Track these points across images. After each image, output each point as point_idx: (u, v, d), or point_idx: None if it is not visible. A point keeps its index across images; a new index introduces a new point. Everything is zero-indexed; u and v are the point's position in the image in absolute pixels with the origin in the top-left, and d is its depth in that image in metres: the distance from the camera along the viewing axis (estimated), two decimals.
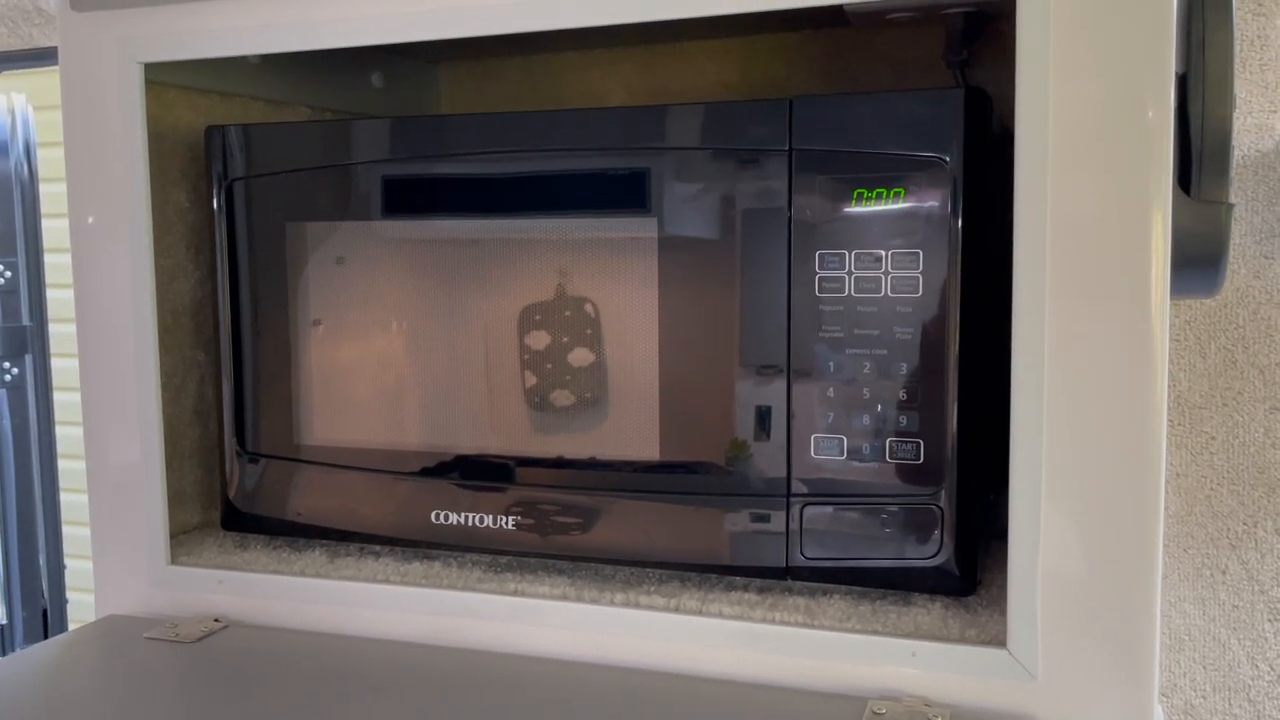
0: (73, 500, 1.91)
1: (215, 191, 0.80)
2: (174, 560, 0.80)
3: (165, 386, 0.81)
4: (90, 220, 0.79)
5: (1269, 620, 1.00)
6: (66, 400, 1.80)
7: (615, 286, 0.70)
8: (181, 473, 0.84)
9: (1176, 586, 1.02)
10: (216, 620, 0.77)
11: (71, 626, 1.90)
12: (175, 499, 0.83)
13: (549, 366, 0.73)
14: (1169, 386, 0.89)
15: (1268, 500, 0.99)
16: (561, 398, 0.73)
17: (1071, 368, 0.59)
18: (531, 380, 0.73)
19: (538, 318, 0.73)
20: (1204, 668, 1.03)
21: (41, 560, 1.85)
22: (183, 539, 0.84)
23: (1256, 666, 1.01)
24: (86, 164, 0.79)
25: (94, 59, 0.78)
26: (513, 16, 0.68)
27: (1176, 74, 0.58)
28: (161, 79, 0.81)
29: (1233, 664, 1.02)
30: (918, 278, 0.65)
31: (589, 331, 0.71)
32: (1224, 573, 1.01)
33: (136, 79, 0.77)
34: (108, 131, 0.78)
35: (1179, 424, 1.01)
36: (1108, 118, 0.57)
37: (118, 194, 0.78)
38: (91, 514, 0.82)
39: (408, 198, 0.75)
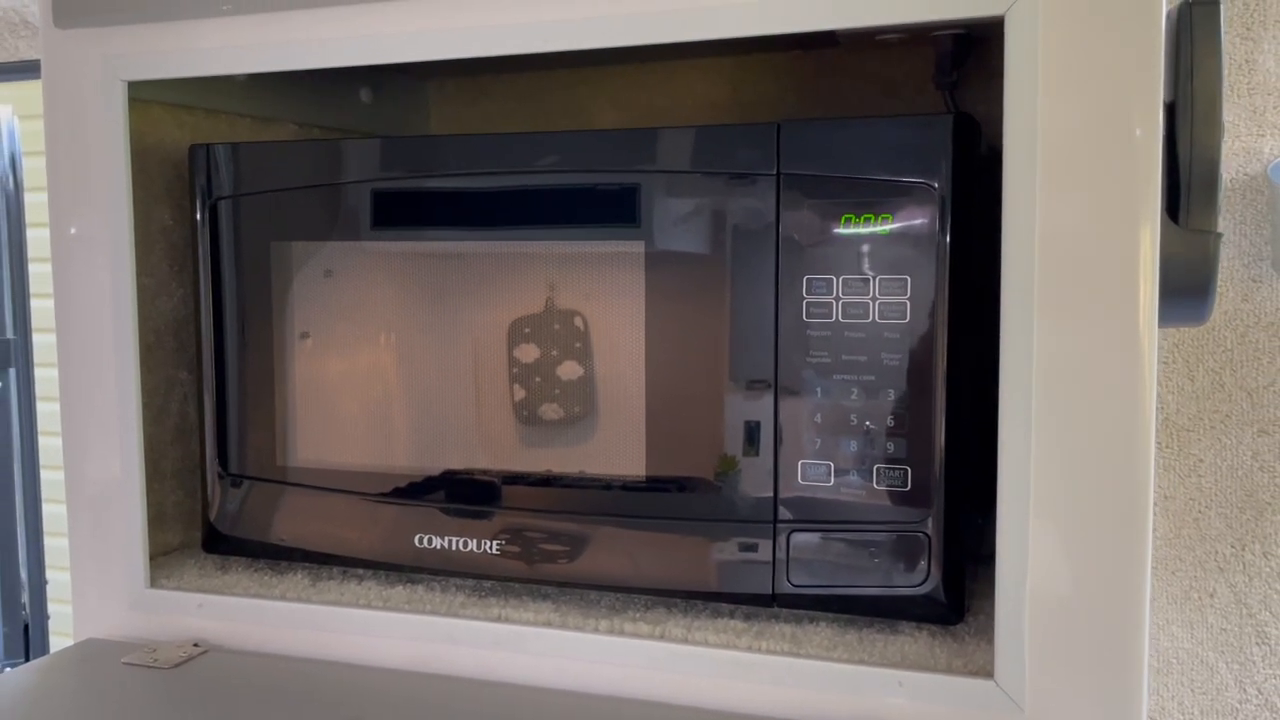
0: (58, 512, 1.90)
1: (199, 210, 0.79)
2: (153, 583, 0.79)
3: (147, 406, 0.80)
4: (72, 237, 0.78)
5: (1257, 644, 1.00)
6: (51, 410, 1.79)
7: (603, 306, 0.70)
8: (163, 493, 0.83)
9: (1164, 610, 1.02)
10: (196, 645, 0.76)
11: (54, 641, 1.88)
12: (156, 520, 0.82)
13: (537, 380, 0.72)
14: (1157, 409, 0.89)
15: (1256, 523, 0.99)
16: (550, 411, 0.72)
17: (1059, 391, 0.59)
18: (520, 394, 0.72)
19: (527, 330, 0.72)
20: (1192, 691, 1.02)
21: (23, 575, 1.84)
22: (163, 561, 0.83)
23: (1244, 691, 1.01)
24: (69, 182, 0.78)
25: (77, 76, 0.77)
26: (503, 39, 0.68)
27: (1165, 102, 0.57)
28: (146, 96, 0.80)
29: (1221, 688, 1.01)
30: (905, 304, 0.64)
31: (578, 345, 0.71)
32: (1212, 596, 1.01)
33: (120, 97, 0.76)
34: (90, 149, 0.77)
35: (1167, 447, 1.00)
36: (1096, 138, 0.57)
37: (100, 212, 0.77)
38: (70, 534, 0.81)
39: (395, 220, 0.74)
